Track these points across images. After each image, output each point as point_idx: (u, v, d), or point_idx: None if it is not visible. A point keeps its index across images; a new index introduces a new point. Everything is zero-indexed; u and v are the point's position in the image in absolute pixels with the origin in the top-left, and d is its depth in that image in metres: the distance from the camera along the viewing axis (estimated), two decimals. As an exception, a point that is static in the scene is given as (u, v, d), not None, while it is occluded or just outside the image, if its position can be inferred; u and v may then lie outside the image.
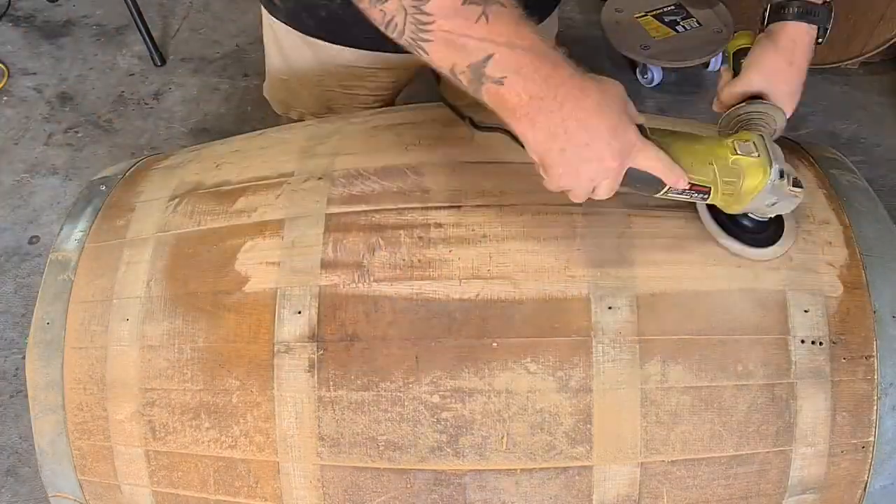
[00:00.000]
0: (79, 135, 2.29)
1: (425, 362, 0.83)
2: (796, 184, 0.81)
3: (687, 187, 0.78)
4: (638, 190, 0.78)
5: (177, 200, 0.96)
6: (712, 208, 0.85)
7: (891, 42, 2.15)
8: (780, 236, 0.87)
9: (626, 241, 0.87)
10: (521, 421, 0.83)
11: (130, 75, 2.45)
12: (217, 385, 0.86)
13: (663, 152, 0.75)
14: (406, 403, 0.83)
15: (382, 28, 0.69)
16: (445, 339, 0.83)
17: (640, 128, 0.75)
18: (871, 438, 0.87)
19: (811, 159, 1.03)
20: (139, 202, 0.99)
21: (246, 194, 0.94)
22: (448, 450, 0.83)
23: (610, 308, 0.84)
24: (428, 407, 0.83)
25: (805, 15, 0.87)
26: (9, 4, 2.64)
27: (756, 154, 0.79)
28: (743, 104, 0.89)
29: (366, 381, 0.83)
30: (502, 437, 0.83)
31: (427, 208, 0.88)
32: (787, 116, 0.89)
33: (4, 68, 2.46)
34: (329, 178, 0.93)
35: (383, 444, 0.84)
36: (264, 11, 1.17)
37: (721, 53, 2.34)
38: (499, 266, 0.85)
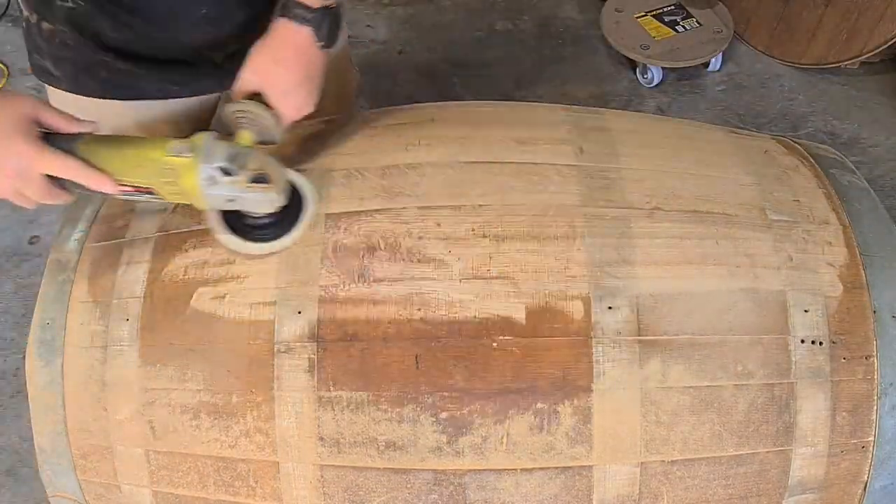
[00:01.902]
0: (79, 135, 2.29)
1: (425, 362, 0.83)
2: (260, 180, 0.82)
3: (126, 189, 0.82)
4: (83, 192, 0.83)
5: (177, 200, 0.96)
6: (227, 214, 0.88)
7: (891, 42, 2.15)
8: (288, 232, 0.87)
9: (626, 241, 0.87)
10: (521, 421, 0.83)
11: (130, 75, 2.45)
12: (217, 385, 0.86)
13: (75, 160, 0.80)
14: (406, 403, 0.83)
15: None
16: (445, 339, 0.83)
17: (58, 137, 0.81)
18: (871, 438, 0.87)
19: (811, 159, 1.03)
20: (139, 202, 0.99)
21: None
22: (448, 450, 0.83)
23: (610, 308, 0.84)
24: (428, 407, 0.83)
25: (295, 15, 0.85)
26: (8, 4, 2.64)
27: (188, 154, 0.80)
28: (233, 102, 0.88)
29: (366, 381, 0.83)
30: (502, 437, 0.83)
31: (427, 208, 0.88)
32: (286, 115, 0.88)
33: (4, 68, 2.46)
34: (329, 178, 0.93)
35: (383, 444, 0.84)
36: (47, 87, 1.09)
37: (721, 53, 2.34)
38: (499, 266, 0.85)
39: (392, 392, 0.83)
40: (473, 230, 0.87)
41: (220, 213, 0.89)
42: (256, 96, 0.88)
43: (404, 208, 0.88)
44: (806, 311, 0.86)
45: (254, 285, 0.87)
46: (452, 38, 2.54)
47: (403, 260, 0.85)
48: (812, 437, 0.86)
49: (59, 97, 1.07)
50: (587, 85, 2.39)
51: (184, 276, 0.89)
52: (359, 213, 0.89)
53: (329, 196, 0.91)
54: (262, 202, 0.84)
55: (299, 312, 0.85)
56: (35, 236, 2.05)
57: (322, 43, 0.87)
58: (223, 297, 0.87)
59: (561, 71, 2.43)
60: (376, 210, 0.89)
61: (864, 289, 0.89)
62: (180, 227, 0.93)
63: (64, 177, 0.81)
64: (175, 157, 0.80)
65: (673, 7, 2.41)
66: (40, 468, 0.93)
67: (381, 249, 0.86)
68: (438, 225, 0.87)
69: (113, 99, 1.04)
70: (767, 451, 0.86)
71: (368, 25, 2.57)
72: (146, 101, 1.05)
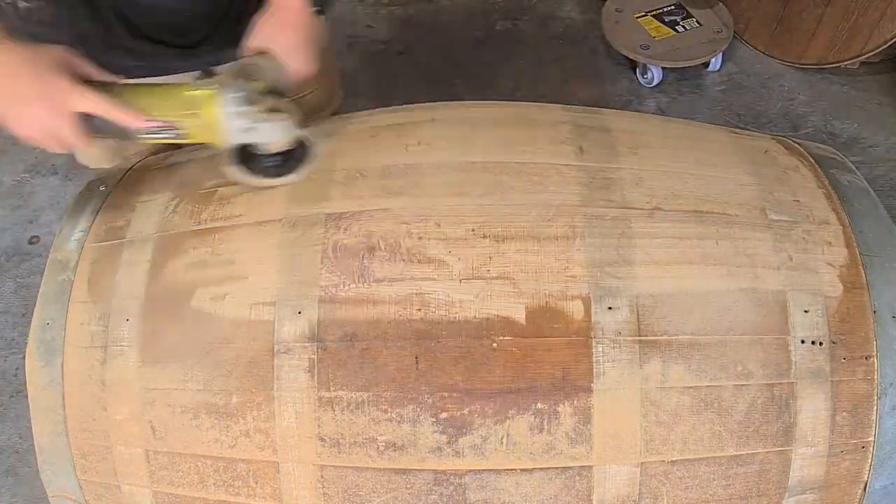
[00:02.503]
0: (79, 135, 2.28)
1: (425, 362, 0.83)
2: (276, 109, 0.90)
3: (153, 125, 0.88)
4: (111, 135, 0.88)
5: (177, 201, 0.96)
6: (241, 153, 0.94)
7: (891, 42, 2.15)
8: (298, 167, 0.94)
9: (626, 241, 0.87)
10: (521, 421, 0.83)
11: (130, 75, 2.44)
12: (217, 385, 0.86)
13: (106, 97, 0.85)
14: (406, 403, 0.83)
15: None
16: (445, 339, 0.83)
17: (94, 83, 0.86)
18: (871, 438, 0.87)
19: (811, 159, 1.03)
20: (139, 202, 0.99)
21: (245, 194, 0.94)
22: (448, 450, 0.83)
23: (610, 308, 0.84)
24: (427, 407, 0.83)
25: None
26: (9, 4, 2.64)
27: (212, 87, 0.88)
28: (244, 57, 0.97)
29: (365, 382, 0.83)
30: (502, 438, 0.83)
31: (427, 208, 0.88)
32: (296, 68, 0.97)
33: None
34: (329, 178, 0.93)
35: (383, 444, 0.84)
36: None
37: (721, 53, 2.34)
38: (499, 266, 0.85)
39: (392, 392, 0.83)
40: (473, 230, 0.87)
41: (233, 150, 0.94)
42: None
43: (404, 208, 0.88)
44: (806, 311, 0.86)
45: (254, 285, 0.87)
46: (452, 38, 2.54)
47: (403, 260, 0.85)
48: (812, 437, 0.86)
49: None
50: (587, 85, 2.39)
51: (184, 276, 0.89)
52: (359, 213, 0.89)
53: (329, 196, 0.91)
54: (278, 132, 0.91)
55: (299, 312, 0.85)
56: (35, 236, 2.05)
57: (315, 8, 0.97)
58: (223, 297, 0.87)
59: (561, 71, 2.43)
60: (376, 210, 0.89)
61: (864, 289, 0.89)
62: (180, 228, 0.93)
63: (95, 112, 0.85)
64: (198, 90, 0.88)
65: (673, 7, 2.41)
66: (40, 468, 0.93)
67: (381, 249, 0.86)
68: (438, 225, 0.87)
69: None
70: (767, 452, 0.86)
71: (368, 25, 2.57)
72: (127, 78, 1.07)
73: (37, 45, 0.85)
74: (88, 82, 0.86)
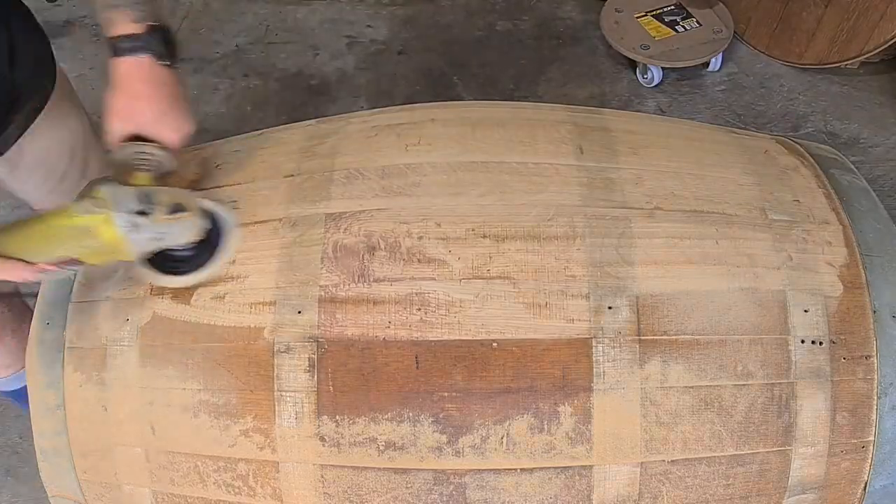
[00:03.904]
0: (79, 135, 2.28)
1: (425, 362, 0.83)
2: (177, 209, 0.81)
3: (45, 269, 0.79)
4: (17, 286, 0.81)
5: (177, 200, 0.96)
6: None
7: (891, 42, 2.15)
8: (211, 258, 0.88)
9: (626, 241, 0.87)
10: (521, 421, 0.83)
11: (130, 75, 2.44)
12: (217, 385, 0.86)
13: None
14: (405, 403, 0.83)
15: None
16: (445, 339, 0.83)
17: None
18: (871, 438, 0.87)
19: (811, 159, 1.03)
20: (139, 202, 0.99)
21: (246, 194, 0.94)
22: (448, 449, 0.83)
23: (610, 308, 0.84)
24: (427, 407, 0.83)
25: (126, 49, 0.84)
26: (9, 4, 2.63)
27: (99, 210, 0.79)
28: (116, 149, 0.86)
29: (365, 381, 0.83)
30: (502, 437, 0.83)
31: (427, 208, 0.88)
32: (168, 142, 0.86)
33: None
34: (329, 178, 0.93)
35: (383, 443, 0.84)
36: None
37: (721, 53, 2.34)
38: (499, 266, 0.85)
39: (392, 392, 0.83)
40: (473, 230, 0.86)
41: (149, 260, 0.88)
42: (135, 137, 0.86)
43: (404, 208, 0.88)
44: (806, 310, 0.86)
45: (254, 285, 0.87)
46: (452, 38, 2.54)
47: (403, 260, 0.85)
48: (812, 436, 0.86)
49: None
50: (587, 85, 2.39)
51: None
52: (359, 213, 0.89)
53: (329, 196, 0.91)
54: (186, 231, 0.84)
55: (299, 312, 0.85)
56: (35, 236, 2.04)
57: (165, 62, 0.85)
58: (223, 297, 0.87)
59: (561, 71, 2.43)
60: (376, 210, 0.89)
61: (864, 289, 0.89)
62: (180, 227, 0.93)
63: None
64: (86, 216, 0.79)
65: (673, 7, 2.41)
66: (40, 468, 0.93)
67: (381, 249, 0.86)
68: (438, 225, 0.87)
69: None
70: (767, 451, 0.86)
71: (368, 25, 2.57)
72: None
73: None
74: None
